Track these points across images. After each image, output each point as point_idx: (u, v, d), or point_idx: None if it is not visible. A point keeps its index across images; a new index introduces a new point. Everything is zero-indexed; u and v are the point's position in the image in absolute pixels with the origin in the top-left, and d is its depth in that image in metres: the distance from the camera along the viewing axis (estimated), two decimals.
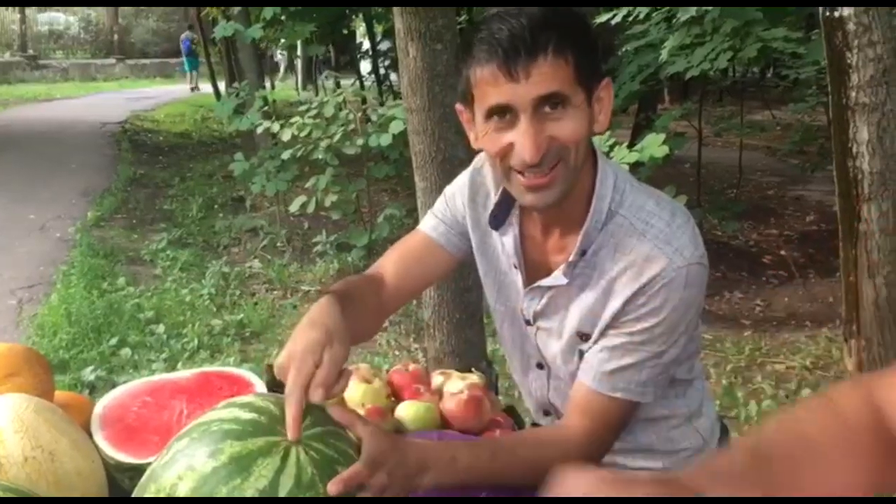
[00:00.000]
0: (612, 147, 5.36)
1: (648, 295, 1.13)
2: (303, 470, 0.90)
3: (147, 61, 28.04)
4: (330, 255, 5.98)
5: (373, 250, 5.75)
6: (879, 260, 3.17)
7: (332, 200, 5.69)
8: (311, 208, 5.72)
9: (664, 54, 4.89)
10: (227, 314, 4.97)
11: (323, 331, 1.03)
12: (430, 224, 1.38)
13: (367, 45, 14.96)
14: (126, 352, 4.25)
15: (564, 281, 1.20)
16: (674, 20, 5.13)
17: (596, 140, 4.86)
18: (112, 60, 27.13)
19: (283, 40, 8.68)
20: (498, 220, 1.27)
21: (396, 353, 4.50)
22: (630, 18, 4.84)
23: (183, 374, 1.50)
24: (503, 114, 1.08)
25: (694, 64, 5.68)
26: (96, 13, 28.48)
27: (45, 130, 12.76)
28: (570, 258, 1.18)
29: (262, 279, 5.82)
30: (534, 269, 1.25)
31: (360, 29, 16.75)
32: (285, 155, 5.84)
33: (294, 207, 5.76)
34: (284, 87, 20.09)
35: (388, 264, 1.35)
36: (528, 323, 1.29)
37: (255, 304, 5.22)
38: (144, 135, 13.47)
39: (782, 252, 6.60)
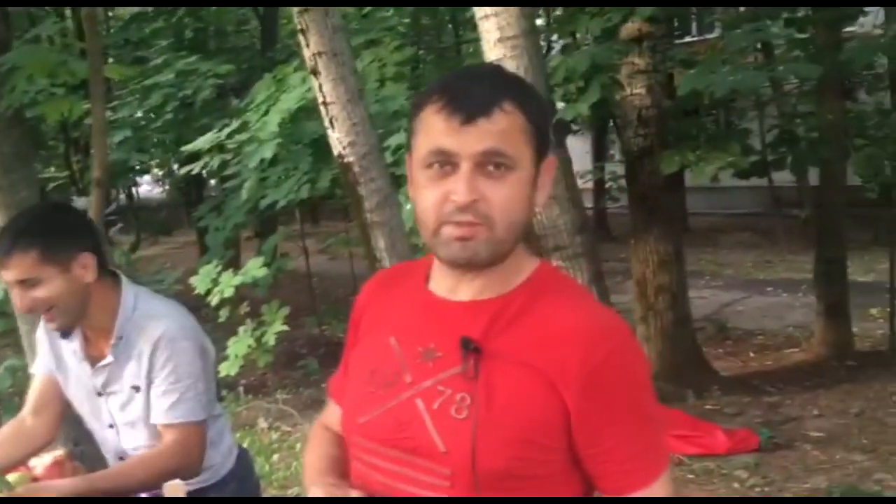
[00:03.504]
0: (220, 274, 6.15)
1: (161, 348, 1.84)
2: None
3: None
4: None
5: None
6: None
7: None
8: None
9: (244, 194, 5.82)
10: None
11: None
12: (38, 367, 2.07)
13: None
14: None
15: (112, 359, 1.89)
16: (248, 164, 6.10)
17: (204, 270, 5.68)
18: None
19: None
20: (66, 334, 1.94)
21: None
22: (216, 167, 5.72)
23: None
24: None
25: (282, 196, 6.76)
26: None
27: None
28: (112, 342, 1.88)
29: None
30: (94, 357, 1.93)
31: None
32: None
33: None
34: None
35: (28, 410, 2.05)
36: (99, 395, 1.95)
37: None
38: None
39: None
